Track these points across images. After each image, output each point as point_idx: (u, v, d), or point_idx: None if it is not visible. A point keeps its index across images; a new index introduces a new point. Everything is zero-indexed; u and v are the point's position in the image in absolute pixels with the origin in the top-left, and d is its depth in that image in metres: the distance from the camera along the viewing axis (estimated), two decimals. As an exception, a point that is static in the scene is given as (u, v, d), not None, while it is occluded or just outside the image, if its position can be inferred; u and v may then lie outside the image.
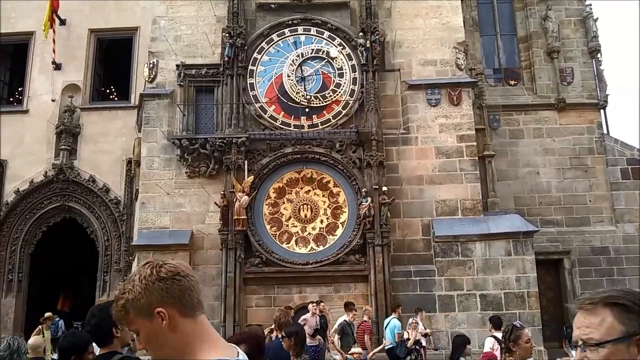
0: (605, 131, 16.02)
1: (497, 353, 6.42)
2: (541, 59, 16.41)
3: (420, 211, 13.12)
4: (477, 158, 13.56)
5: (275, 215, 13.16)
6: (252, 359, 2.07)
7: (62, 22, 16.89)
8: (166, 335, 1.49)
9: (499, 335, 7.71)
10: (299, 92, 13.59)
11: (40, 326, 11.21)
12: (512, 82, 16.63)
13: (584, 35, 16.57)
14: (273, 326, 6.99)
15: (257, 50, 13.98)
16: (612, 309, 1.44)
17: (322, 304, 10.99)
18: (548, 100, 16.00)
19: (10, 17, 17.31)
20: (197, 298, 1.58)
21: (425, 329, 11.25)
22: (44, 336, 10.66)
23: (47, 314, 12.35)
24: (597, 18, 16.59)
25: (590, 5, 16.84)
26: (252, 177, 12.92)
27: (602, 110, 16.17)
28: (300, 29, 14.19)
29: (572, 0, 16.94)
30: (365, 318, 10.72)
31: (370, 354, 9.93)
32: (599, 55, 16.43)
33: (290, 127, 13.42)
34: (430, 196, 13.19)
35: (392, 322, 10.71)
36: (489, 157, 14.13)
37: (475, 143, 13.60)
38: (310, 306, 10.85)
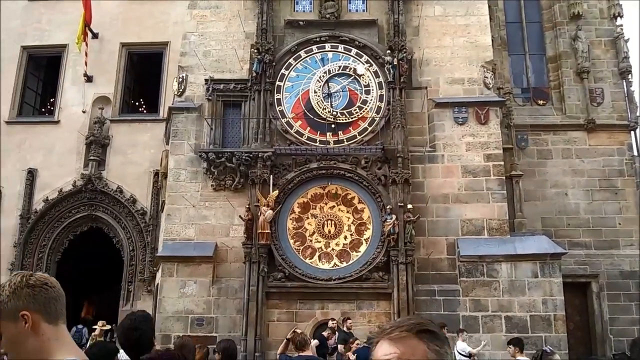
0: (635, 153, 15.73)
1: None
2: (570, 79, 16.22)
3: (445, 230, 13.00)
4: (504, 177, 13.42)
5: (299, 230, 13.17)
6: None
7: (95, 36, 17.28)
8: (27, 337, 1.60)
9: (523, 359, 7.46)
10: (325, 108, 13.66)
11: (93, 334, 11.04)
12: (541, 102, 16.46)
13: (614, 56, 16.37)
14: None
15: (284, 66, 14.11)
16: (421, 337, 1.37)
17: (349, 320, 10.94)
18: (577, 121, 15.79)
19: (44, 30, 17.80)
20: (61, 309, 1.70)
21: (470, 349, 11.07)
22: None
23: (100, 322, 11.63)
24: (629, 39, 16.39)
25: (622, 25, 16.65)
26: (277, 191, 12.97)
27: (632, 132, 15.90)
28: (327, 46, 14.29)
29: (602, 20, 16.77)
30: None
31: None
32: (629, 76, 16.20)
33: (316, 142, 13.47)
34: (456, 215, 13.07)
35: None
36: (516, 176, 13.97)
37: (502, 162, 13.47)
38: (330, 322, 10.83)
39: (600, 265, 14.72)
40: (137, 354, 2.97)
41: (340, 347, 10.04)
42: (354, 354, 9.05)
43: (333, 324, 10.90)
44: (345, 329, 10.69)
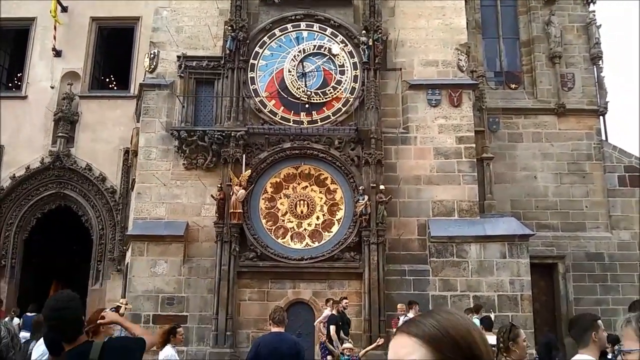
0: (604, 138, 16.01)
1: None
2: (543, 64, 16.40)
3: (416, 211, 13.11)
4: (475, 160, 13.55)
5: (272, 210, 13.14)
6: None
7: (64, 9, 16.81)
8: None
9: (491, 338, 7.59)
10: (299, 88, 13.57)
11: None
12: (513, 86, 16.62)
13: (586, 42, 16.56)
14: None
15: (259, 44, 13.95)
16: None
17: (345, 300, 10.99)
18: (548, 105, 16.00)
19: (12, 3, 17.22)
20: None
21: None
22: None
23: (122, 300, 11.46)
24: (600, 25, 16.58)
25: (594, 11, 16.84)
26: (250, 171, 12.90)
27: (601, 117, 16.17)
28: (303, 25, 14.15)
29: (575, 6, 16.93)
30: (411, 314, 10.79)
31: (363, 351, 9.91)
32: (600, 61, 16.43)
33: (290, 122, 13.40)
34: (428, 196, 13.18)
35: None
36: (487, 159, 14.12)
37: (474, 145, 13.59)
38: (332, 303, 10.85)
39: (567, 247, 15.03)
40: (69, 336, 2.72)
41: (332, 328, 10.04)
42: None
43: (337, 305, 10.84)
44: (340, 308, 10.67)
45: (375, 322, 11.93)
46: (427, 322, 1.08)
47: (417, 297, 12.16)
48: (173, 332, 6.15)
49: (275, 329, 5.40)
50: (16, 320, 12.36)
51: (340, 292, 12.42)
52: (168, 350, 6.06)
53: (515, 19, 17.30)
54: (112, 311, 10.49)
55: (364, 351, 9.92)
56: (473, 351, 1.06)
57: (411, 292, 12.33)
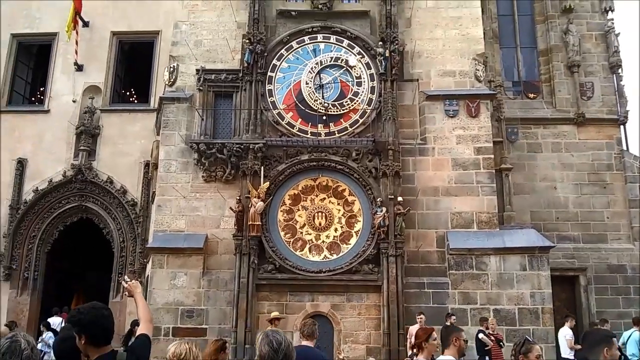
0: (624, 147, 15.81)
1: None
2: (561, 73, 16.26)
3: (435, 223, 13.06)
4: (494, 171, 13.46)
5: (290, 222, 13.18)
6: None
7: (85, 24, 17.10)
8: None
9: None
10: (316, 100, 13.64)
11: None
12: (532, 96, 16.51)
13: (605, 50, 16.40)
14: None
15: (276, 57, 14.06)
16: None
17: (491, 320, 11.54)
18: (567, 115, 15.85)
19: (34, 18, 17.60)
20: None
21: None
22: None
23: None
24: (619, 33, 16.43)
25: (612, 19, 16.69)
26: (268, 183, 12.97)
27: (621, 126, 15.97)
28: (320, 37, 14.24)
29: (593, 14, 16.79)
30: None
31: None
32: (620, 70, 16.25)
33: (307, 134, 13.46)
34: (446, 208, 13.12)
35: (634, 335, 10.81)
36: (506, 170, 14.01)
37: (492, 155, 13.51)
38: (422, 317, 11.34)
39: (588, 258, 14.82)
40: (102, 343, 2.90)
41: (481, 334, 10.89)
42: None
43: (485, 322, 11.50)
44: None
45: (395, 336, 11.88)
46: None
47: (436, 311, 12.10)
48: (224, 347, 5.40)
49: (305, 342, 5.38)
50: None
51: (358, 304, 12.43)
52: None
53: (532, 28, 17.20)
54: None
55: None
56: None
57: (430, 305, 12.27)
